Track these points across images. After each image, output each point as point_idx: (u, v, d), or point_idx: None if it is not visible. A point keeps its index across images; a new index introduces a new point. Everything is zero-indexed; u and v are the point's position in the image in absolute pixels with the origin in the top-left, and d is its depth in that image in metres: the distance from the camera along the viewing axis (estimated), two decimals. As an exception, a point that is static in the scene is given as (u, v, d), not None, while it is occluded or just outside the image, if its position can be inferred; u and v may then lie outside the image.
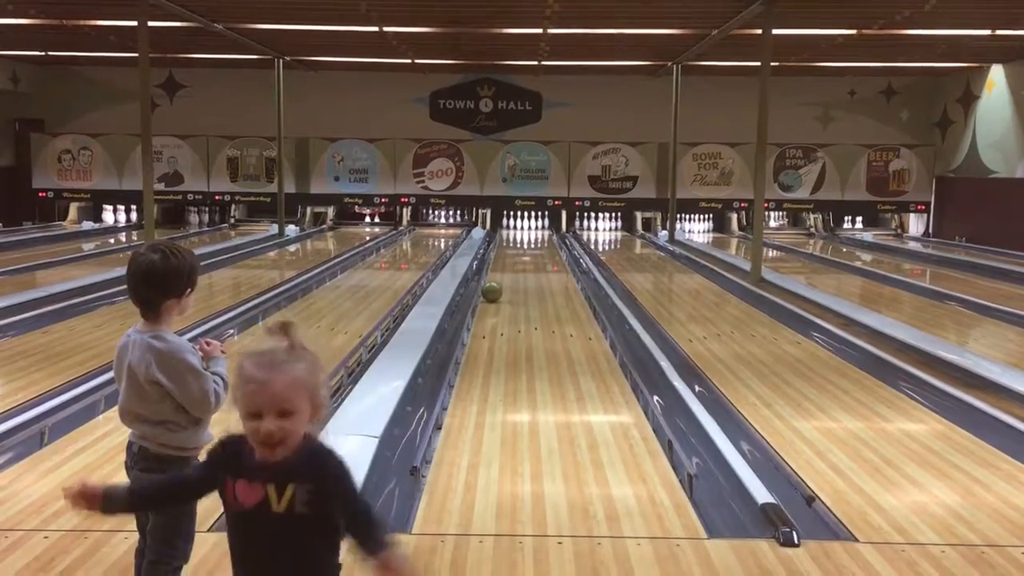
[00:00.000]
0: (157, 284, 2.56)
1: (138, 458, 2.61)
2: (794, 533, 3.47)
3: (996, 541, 3.53)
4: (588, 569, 3.22)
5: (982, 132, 17.16)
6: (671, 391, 5.80)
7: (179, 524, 2.63)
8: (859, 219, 19.94)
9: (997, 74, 16.66)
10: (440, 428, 4.90)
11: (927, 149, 19.01)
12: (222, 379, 2.61)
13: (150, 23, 11.69)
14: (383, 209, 19.52)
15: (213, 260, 12.78)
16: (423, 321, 7.96)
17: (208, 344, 2.70)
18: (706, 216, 19.73)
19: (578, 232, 19.08)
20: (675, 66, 16.78)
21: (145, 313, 2.60)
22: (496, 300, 9.35)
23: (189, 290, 2.63)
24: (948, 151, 18.48)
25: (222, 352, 2.71)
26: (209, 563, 3.18)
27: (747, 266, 11.76)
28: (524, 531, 3.55)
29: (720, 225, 19.74)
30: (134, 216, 18.96)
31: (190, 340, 2.70)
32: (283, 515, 1.88)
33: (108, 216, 19.30)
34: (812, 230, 19.51)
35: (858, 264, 14.07)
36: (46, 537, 3.40)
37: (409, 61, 16.91)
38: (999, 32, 13.15)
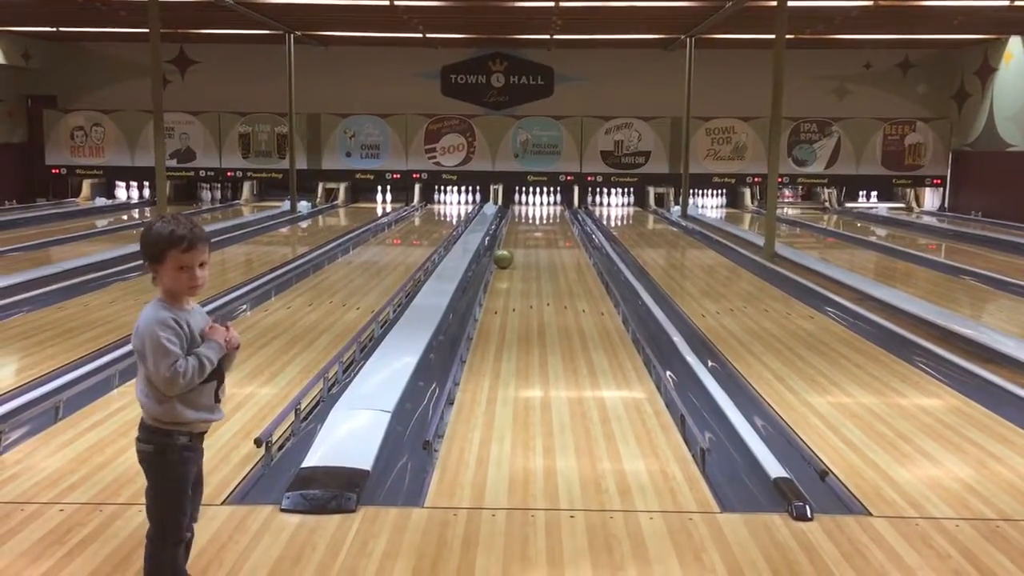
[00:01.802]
0: (141, 251, 2.62)
1: (139, 428, 2.64)
2: (807, 507, 3.46)
3: (1011, 515, 3.51)
4: (600, 543, 3.22)
5: (1000, 105, 16.96)
6: (684, 366, 5.78)
7: (162, 499, 2.62)
8: (874, 193, 19.79)
9: (1015, 46, 16.43)
10: (452, 403, 4.90)
11: (943, 122, 18.82)
12: (201, 360, 2.54)
13: (160, -2, 11.65)
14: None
15: (226, 236, 12.82)
16: (435, 297, 7.95)
17: (212, 328, 2.64)
18: (719, 191, 19.61)
19: (590, 207, 19.02)
20: (688, 39, 16.63)
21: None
22: (507, 267, 10.01)
23: (151, 263, 2.57)
24: (965, 124, 18.29)
25: (225, 341, 2.63)
26: (222, 536, 3.20)
27: (760, 241, 11.70)
28: (536, 505, 3.55)
29: (733, 200, 19.63)
30: (147, 192, 19.02)
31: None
32: None
33: (121, 193, 19.36)
34: (826, 204, 19.39)
35: (872, 239, 13.98)
36: (61, 510, 3.43)
37: (420, 35, 16.81)
38: (1017, 2, 12.96)
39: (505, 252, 10.36)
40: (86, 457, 3.99)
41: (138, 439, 2.62)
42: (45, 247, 11.55)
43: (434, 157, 19.20)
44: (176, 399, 2.56)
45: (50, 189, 18.93)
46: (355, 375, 5.34)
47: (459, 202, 19.50)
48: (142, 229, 2.63)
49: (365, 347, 6.21)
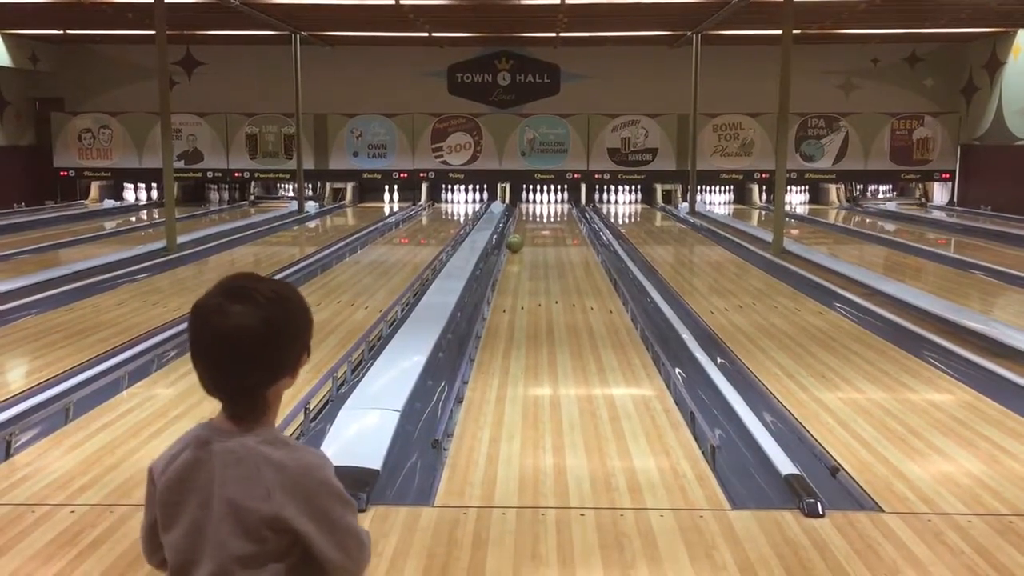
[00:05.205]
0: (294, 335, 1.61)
1: None
2: (818, 504, 3.45)
3: (1023, 510, 3.49)
4: (611, 540, 3.21)
5: (1008, 99, 16.87)
6: (693, 363, 5.77)
7: None
8: (882, 188, 19.72)
9: (1024, 39, 16.36)
10: (461, 401, 4.90)
11: (952, 117, 18.73)
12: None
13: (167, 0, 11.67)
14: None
15: (234, 237, 12.85)
16: (443, 295, 7.95)
17: None
18: (727, 187, 19.56)
19: (598, 205, 18.99)
20: (695, 36, 16.58)
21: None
22: (518, 251, 11.07)
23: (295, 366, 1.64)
24: (973, 118, 18.20)
25: None
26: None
27: (769, 237, 11.67)
28: (546, 503, 3.54)
29: (741, 196, 19.57)
30: (155, 194, 19.07)
31: None
32: None
33: (129, 194, 19.43)
34: (837, 199, 19.31)
35: (881, 234, 13.93)
36: (72, 512, 3.43)
37: (426, 35, 16.80)
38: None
39: (516, 237, 11.40)
40: (96, 459, 4.00)
41: None
42: (54, 249, 11.58)
43: (441, 156, 19.20)
44: None
45: (58, 191, 18.99)
46: (364, 374, 5.34)
47: (466, 201, 19.49)
48: (277, 294, 1.53)
49: (374, 346, 6.21)
